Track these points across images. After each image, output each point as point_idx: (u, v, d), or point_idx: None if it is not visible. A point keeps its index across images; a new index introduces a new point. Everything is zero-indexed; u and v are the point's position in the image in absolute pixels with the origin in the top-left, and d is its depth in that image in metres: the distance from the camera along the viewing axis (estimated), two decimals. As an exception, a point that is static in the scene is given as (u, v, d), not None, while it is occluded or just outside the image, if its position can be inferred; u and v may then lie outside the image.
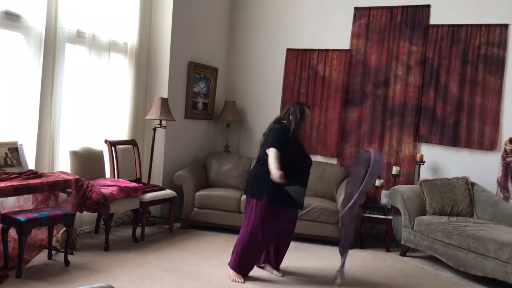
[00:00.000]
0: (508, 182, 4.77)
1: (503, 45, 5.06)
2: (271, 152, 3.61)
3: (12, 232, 3.55)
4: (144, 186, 4.74)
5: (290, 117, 3.80)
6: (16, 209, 3.69)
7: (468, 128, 5.18)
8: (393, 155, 5.49)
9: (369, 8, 5.63)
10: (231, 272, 3.79)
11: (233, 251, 3.83)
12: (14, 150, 3.90)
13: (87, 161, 4.52)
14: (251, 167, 5.10)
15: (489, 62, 5.11)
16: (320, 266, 4.31)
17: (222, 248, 4.55)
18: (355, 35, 5.71)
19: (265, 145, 3.76)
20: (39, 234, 3.90)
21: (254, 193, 3.76)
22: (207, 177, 5.67)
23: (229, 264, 3.83)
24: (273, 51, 6.14)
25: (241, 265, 3.77)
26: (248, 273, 3.82)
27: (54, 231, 3.91)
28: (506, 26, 5.06)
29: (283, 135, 3.71)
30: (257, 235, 3.69)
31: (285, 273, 4.00)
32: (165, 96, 5.31)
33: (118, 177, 4.80)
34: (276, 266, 4.01)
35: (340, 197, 5.01)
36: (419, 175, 5.28)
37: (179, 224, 5.30)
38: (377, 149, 3.89)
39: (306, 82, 5.93)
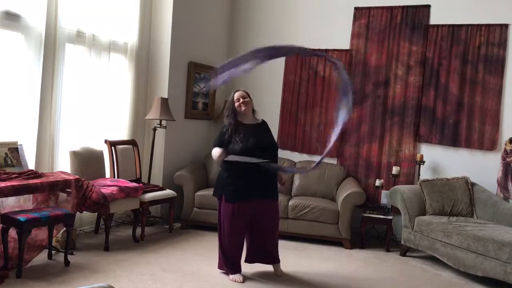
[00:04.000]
0: (508, 182, 4.77)
1: (503, 45, 5.06)
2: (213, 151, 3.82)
3: (12, 232, 3.55)
4: (144, 186, 4.74)
5: (226, 116, 3.85)
6: (16, 209, 3.69)
7: (468, 128, 5.18)
8: (393, 155, 5.49)
9: (369, 8, 5.63)
10: (231, 274, 3.82)
11: None
12: (14, 150, 3.90)
13: (87, 161, 4.52)
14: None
15: (489, 62, 5.11)
16: (320, 266, 4.31)
17: (222, 248, 4.55)
18: (355, 35, 5.71)
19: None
20: (39, 234, 3.90)
21: (214, 191, 3.92)
22: (207, 177, 5.67)
23: (218, 266, 3.93)
24: (273, 51, 6.13)
25: (222, 262, 3.87)
26: (234, 268, 3.82)
27: (54, 231, 3.90)
28: (506, 26, 5.06)
29: (219, 136, 3.84)
30: (225, 232, 3.80)
31: (284, 273, 4.00)
32: (165, 96, 5.31)
33: (118, 177, 4.80)
34: (271, 261, 3.98)
35: (341, 195, 5.02)
36: (419, 175, 5.28)
37: (179, 224, 5.30)
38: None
39: (306, 82, 5.93)
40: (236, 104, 3.78)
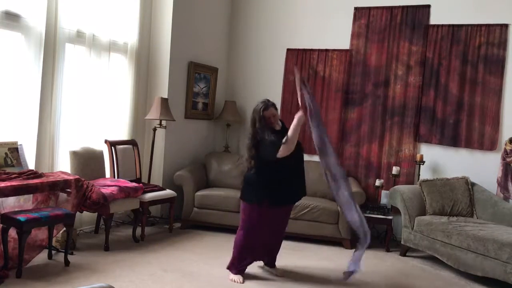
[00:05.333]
0: (508, 182, 4.77)
1: (503, 45, 5.06)
2: (281, 153, 3.64)
3: (12, 232, 3.55)
4: (144, 186, 4.74)
5: (258, 130, 3.76)
6: (16, 209, 3.69)
7: (468, 128, 5.18)
8: (393, 155, 5.49)
9: (369, 8, 5.63)
10: (231, 274, 3.82)
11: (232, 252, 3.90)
12: (14, 150, 3.90)
13: (87, 161, 4.52)
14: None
15: (489, 62, 5.11)
16: (320, 266, 4.31)
17: (222, 248, 4.55)
18: (355, 35, 5.71)
19: (257, 154, 3.76)
20: (39, 234, 3.90)
21: (248, 197, 3.81)
22: (207, 177, 5.67)
23: (227, 267, 3.89)
24: (273, 51, 6.14)
25: (234, 264, 3.84)
26: (241, 269, 3.84)
27: (54, 231, 3.91)
28: (506, 26, 5.06)
29: (270, 143, 3.71)
30: (252, 237, 3.78)
31: (284, 273, 4.00)
32: (165, 96, 5.31)
33: (118, 177, 4.80)
34: (270, 263, 4.03)
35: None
36: (419, 175, 5.28)
37: (179, 224, 5.30)
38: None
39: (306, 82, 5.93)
40: (268, 120, 3.78)
